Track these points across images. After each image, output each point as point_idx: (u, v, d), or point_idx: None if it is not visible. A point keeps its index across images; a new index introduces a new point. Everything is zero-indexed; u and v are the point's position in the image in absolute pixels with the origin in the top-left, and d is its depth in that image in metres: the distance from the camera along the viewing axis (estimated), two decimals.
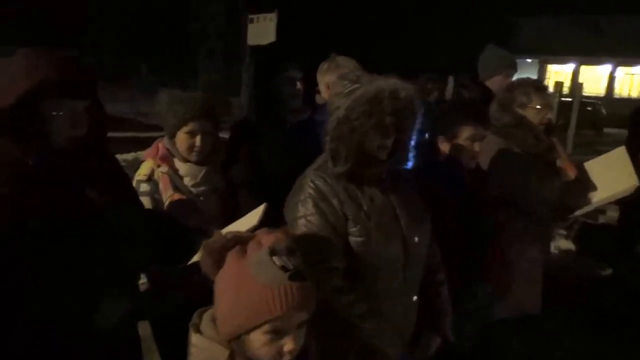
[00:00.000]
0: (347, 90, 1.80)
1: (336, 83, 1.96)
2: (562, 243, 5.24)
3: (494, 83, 3.53)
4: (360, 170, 1.81)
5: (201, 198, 2.27)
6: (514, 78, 3.60)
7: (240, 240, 1.36)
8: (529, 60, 32.67)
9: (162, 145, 2.31)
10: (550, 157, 2.84)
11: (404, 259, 1.87)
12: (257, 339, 1.29)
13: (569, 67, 32.37)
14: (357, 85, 1.79)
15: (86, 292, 1.57)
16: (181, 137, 2.26)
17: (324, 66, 2.83)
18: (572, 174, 2.84)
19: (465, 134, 2.37)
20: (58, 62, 1.42)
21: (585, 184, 2.87)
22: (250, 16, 8.55)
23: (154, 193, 2.20)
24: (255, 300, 1.27)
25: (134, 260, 1.74)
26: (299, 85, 2.53)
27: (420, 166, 2.31)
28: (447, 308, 2.07)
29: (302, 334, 1.35)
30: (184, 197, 2.21)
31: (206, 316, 1.39)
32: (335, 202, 1.79)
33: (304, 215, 1.79)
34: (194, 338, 1.37)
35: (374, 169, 1.84)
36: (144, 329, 2.09)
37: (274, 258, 1.29)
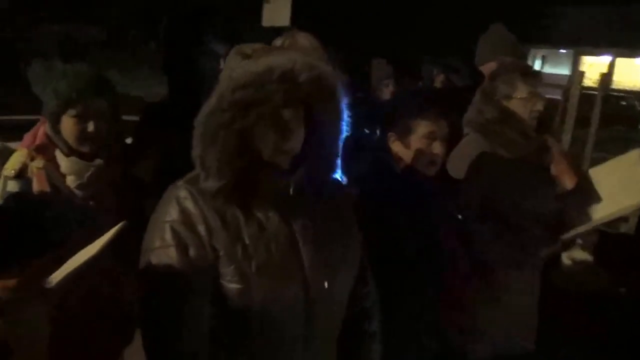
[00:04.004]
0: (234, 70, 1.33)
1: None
2: (576, 253, 4.65)
3: (488, 70, 2.98)
4: (248, 184, 1.31)
5: (91, 203, 1.83)
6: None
7: None
8: (563, 51, 31.50)
9: (42, 131, 1.86)
10: (542, 160, 2.32)
11: (305, 312, 1.35)
12: None
13: (606, 60, 31.04)
14: (246, 62, 1.32)
15: None
16: (67, 123, 1.81)
17: (277, 42, 2.32)
18: (570, 182, 2.30)
19: (420, 130, 1.84)
20: None
21: (586, 196, 2.34)
22: None
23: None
24: None
25: None
26: (222, 63, 2.05)
27: (362, 176, 1.83)
28: None
29: None
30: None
31: None
32: (202, 230, 1.30)
33: (159, 247, 1.30)
34: None
35: (270, 182, 1.34)
36: None
37: None
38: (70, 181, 1.81)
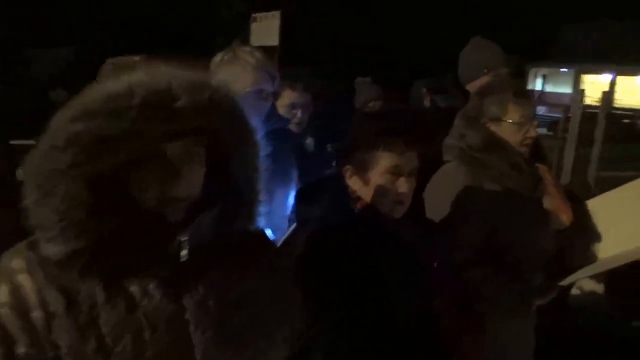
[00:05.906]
0: None
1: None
2: (585, 282, 4.27)
3: (477, 87, 2.65)
4: (118, 246, 0.93)
5: None
6: None
7: None
8: (564, 70, 31.36)
9: None
10: (536, 193, 1.99)
11: None
12: None
13: (606, 78, 30.79)
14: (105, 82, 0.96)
15: None
16: None
17: (216, 59, 2.00)
18: (566, 217, 1.97)
19: (383, 163, 1.47)
20: None
21: (586, 234, 2.01)
22: (254, 15, 7.76)
23: None
24: None
25: None
26: None
27: (312, 222, 1.49)
28: None
29: None
30: None
31: None
32: (37, 317, 0.92)
33: None
34: None
35: (152, 241, 0.96)
36: None
37: None
38: None
